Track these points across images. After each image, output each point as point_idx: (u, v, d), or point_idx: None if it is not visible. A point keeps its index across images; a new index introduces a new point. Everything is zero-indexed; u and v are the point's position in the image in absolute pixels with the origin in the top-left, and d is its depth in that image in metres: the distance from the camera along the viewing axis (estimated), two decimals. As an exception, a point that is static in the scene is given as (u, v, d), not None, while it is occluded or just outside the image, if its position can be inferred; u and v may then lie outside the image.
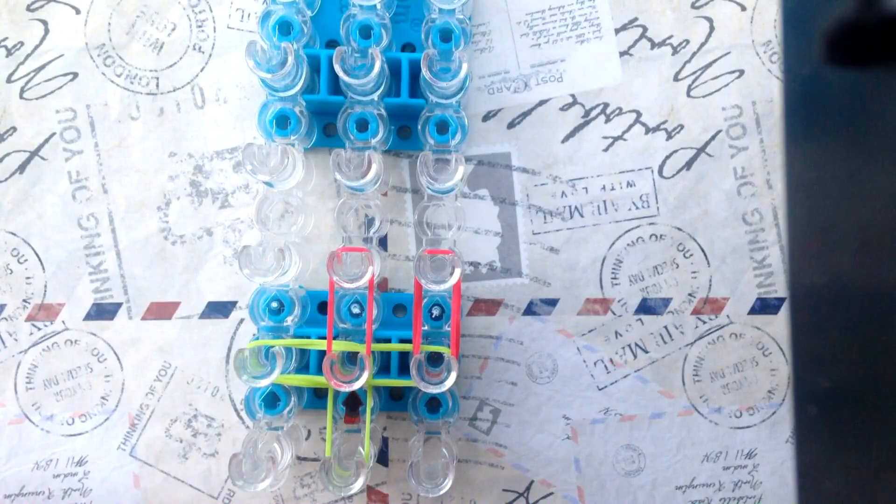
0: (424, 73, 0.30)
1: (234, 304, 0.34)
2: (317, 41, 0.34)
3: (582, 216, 0.34)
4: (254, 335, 0.33)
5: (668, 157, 0.35)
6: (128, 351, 0.34)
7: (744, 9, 0.35)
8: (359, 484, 0.30)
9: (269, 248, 0.30)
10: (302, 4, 0.32)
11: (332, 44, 0.34)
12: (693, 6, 0.35)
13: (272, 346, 0.30)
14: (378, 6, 0.31)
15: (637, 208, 0.34)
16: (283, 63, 0.30)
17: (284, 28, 0.32)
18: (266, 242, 0.31)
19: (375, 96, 0.32)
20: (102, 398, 0.34)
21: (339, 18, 0.33)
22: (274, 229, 0.32)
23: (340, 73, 0.30)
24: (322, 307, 0.33)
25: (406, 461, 0.34)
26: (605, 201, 0.34)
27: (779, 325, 0.35)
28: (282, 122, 0.32)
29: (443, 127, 0.32)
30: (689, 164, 0.35)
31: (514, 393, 0.34)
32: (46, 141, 0.34)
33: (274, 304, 0.32)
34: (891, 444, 0.15)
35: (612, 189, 0.34)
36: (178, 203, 0.34)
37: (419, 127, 0.32)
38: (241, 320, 0.34)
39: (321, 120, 0.34)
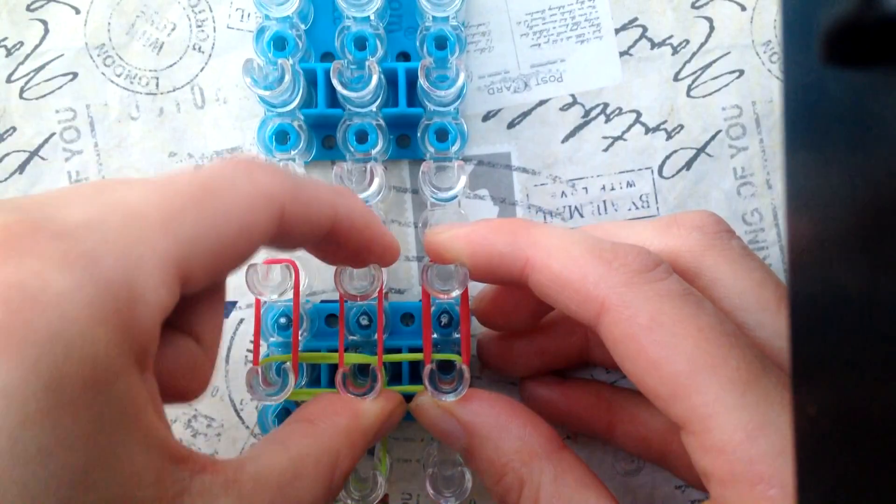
0: (422, 82, 0.30)
1: (233, 304, 0.34)
2: (311, 54, 0.34)
3: (582, 216, 0.34)
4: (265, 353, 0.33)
5: (668, 157, 0.35)
6: (128, 351, 0.34)
7: (744, 9, 0.35)
8: (379, 495, 0.30)
9: (275, 266, 0.29)
10: (296, 19, 0.32)
11: (326, 56, 0.34)
12: (693, 6, 0.35)
13: (283, 363, 0.29)
14: (371, 17, 0.31)
15: (637, 208, 0.34)
16: (281, 79, 0.30)
17: (279, 43, 0.32)
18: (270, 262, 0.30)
19: (374, 107, 0.32)
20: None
21: (332, 30, 0.33)
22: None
23: (339, 88, 0.30)
24: (329, 320, 0.33)
25: (409, 460, 0.34)
26: (605, 201, 0.34)
27: (779, 325, 0.35)
28: (281, 138, 0.32)
29: (442, 134, 0.32)
30: (689, 165, 0.35)
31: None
32: (46, 141, 0.34)
33: (282, 320, 0.31)
34: (891, 445, 0.15)
35: (612, 189, 0.34)
36: (177, 203, 0.34)
37: (419, 135, 0.32)
38: (241, 320, 0.34)
39: (319, 133, 0.34)
